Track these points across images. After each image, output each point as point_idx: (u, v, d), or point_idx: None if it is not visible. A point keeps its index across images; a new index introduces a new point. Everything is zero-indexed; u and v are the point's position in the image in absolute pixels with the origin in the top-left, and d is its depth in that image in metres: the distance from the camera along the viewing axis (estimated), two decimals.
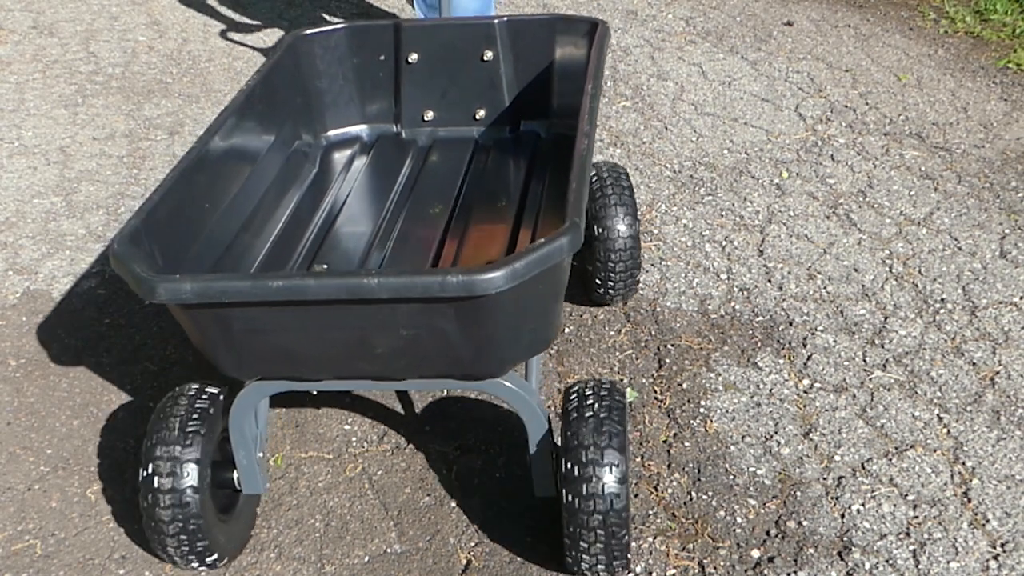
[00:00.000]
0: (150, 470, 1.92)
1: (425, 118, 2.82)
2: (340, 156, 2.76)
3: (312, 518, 2.21)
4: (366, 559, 2.12)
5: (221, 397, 2.04)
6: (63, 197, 3.49)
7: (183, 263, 2.02)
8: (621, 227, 2.53)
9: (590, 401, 1.90)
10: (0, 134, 3.93)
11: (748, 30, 4.62)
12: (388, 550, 2.13)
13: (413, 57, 2.75)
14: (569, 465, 1.84)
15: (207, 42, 4.73)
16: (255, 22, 4.94)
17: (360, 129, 2.83)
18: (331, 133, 2.80)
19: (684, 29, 4.65)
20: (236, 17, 4.99)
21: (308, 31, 2.71)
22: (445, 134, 2.83)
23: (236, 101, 2.35)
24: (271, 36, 4.76)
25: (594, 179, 2.61)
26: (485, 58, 2.74)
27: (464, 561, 2.10)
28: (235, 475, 2.06)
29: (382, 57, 2.77)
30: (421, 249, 2.34)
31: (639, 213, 3.26)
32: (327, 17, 4.94)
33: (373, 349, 1.76)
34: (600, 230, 2.54)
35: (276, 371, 1.87)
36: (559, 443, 1.92)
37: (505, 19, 2.73)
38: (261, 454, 2.07)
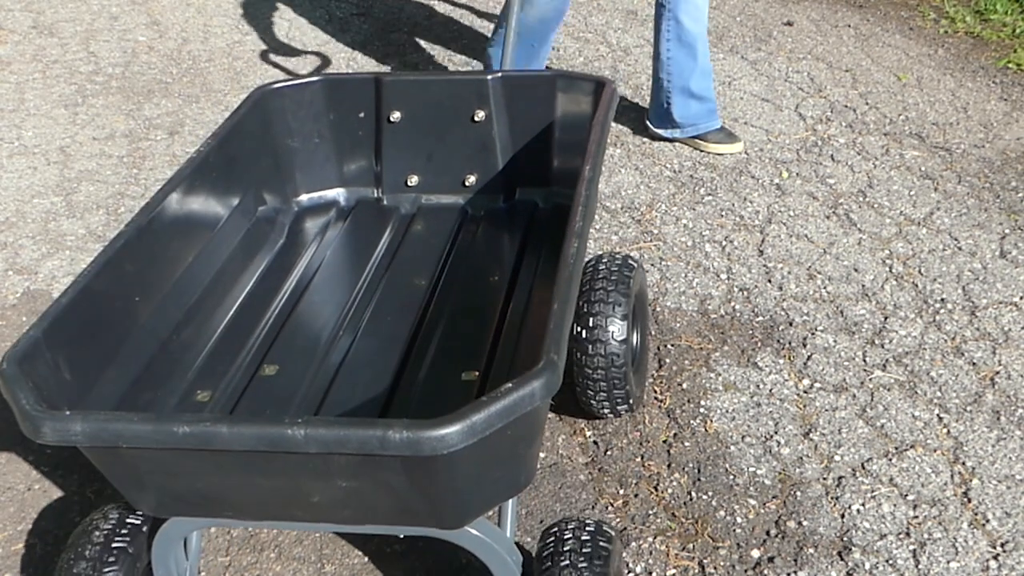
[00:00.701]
0: None
1: (409, 183, 2.55)
2: (312, 224, 2.51)
3: None
4: (366, 559, 2.12)
5: (144, 528, 1.81)
6: (63, 197, 3.49)
7: (103, 371, 1.80)
8: (611, 330, 2.18)
9: (566, 560, 1.67)
10: (0, 134, 3.93)
11: (748, 30, 4.62)
12: (388, 550, 2.13)
13: (396, 115, 2.49)
14: None
15: (207, 42, 4.73)
16: (255, 23, 4.94)
17: (337, 193, 2.57)
18: (303, 197, 2.55)
19: None
20: (236, 18, 4.99)
21: (278, 84, 2.47)
22: (431, 201, 2.56)
23: (185, 169, 2.09)
24: (271, 37, 4.76)
25: (588, 269, 2.28)
26: (476, 118, 2.47)
27: (463, 561, 2.10)
28: None
29: (362, 114, 2.51)
30: (391, 344, 2.09)
31: (639, 214, 3.27)
32: (328, 14, 4.94)
33: (308, 497, 1.55)
34: (579, 330, 2.20)
35: (196, 512, 1.66)
36: None
37: (499, 75, 2.46)
38: None
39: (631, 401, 2.32)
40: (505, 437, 1.46)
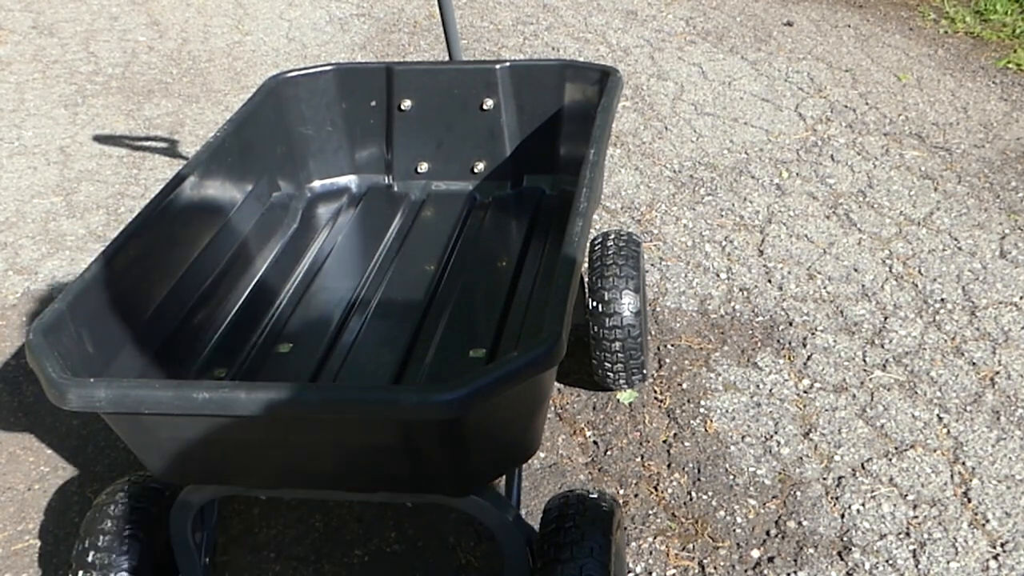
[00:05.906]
0: None
1: (419, 170, 2.62)
2: (325, 210, 2.57)
3: (312, 517, 2.21)
4: (366, 559, 2.12)
5: (166, 494, 1.86)
6: (63, 197, 3.49)
7: (123, 347, 1.84)
8: (624, 302, 2.30)
9: (570, 523, 1.69)
10: (0, 134, 3.93)
11: (748, 30, 4.62)
12: (387, 550, 2.13)
13: (407, 104, 2.56)
14: None
15: (207, 42, 4.73)
16: (255, 23, 4.94)
17: (348, 180, 2.64)
18: (316, 184, 2.61)
19: (684, 29, 4.65)
20: (236, 18, 4.99)
21: (292, 73, 2.54)
22: (440, 188, 2.62)
23: (202, 153, 2.16)
24: (272, 37, 4.76)
25: (597, 246, 2.41)
26: (485, 107, 2.53)
27: (463, 561, 2.10)
28: None
29: (373, 103, 2.58)
30: (401, 324, 2.14)
31: (639, 214, 3.27)
32: (328, 14, 4.94)
33: (321, 463, 1.60)
34: (596, 304, 2.31)
35: (213, 479, 1.69)
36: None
37: (508, 64, 2.52)
38: (207, 559, 1.90)
39: (644, 371, 2.42)
40: (511, 405, 1.50)
